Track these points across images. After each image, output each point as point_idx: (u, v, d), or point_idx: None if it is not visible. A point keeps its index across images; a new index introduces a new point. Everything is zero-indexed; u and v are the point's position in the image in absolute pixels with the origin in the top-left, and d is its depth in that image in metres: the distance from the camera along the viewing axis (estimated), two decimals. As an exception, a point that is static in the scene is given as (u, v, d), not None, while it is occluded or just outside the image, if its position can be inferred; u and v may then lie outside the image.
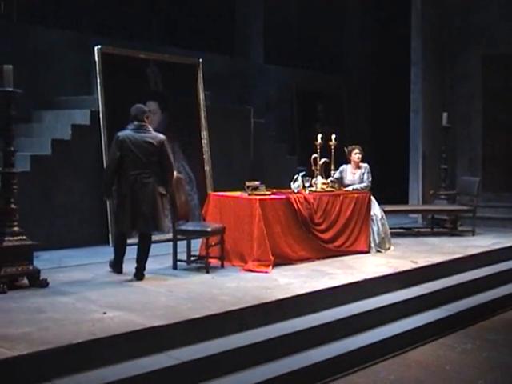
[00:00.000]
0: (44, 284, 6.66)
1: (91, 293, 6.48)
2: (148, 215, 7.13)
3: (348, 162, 9.69)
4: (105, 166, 8.90)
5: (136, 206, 7.07)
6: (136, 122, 7.20)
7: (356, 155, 9.57)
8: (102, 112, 9.36)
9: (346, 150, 9.73)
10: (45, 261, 7.70)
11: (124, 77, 9.77)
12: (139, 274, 7.25)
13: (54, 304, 6.03)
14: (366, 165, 9.64)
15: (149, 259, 8.04)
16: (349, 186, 9.52)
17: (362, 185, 9.48)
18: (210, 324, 5.78)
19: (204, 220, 8.52)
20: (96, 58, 9.44)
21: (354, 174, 9.61)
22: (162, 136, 7.24)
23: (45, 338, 4.99)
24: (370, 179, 9.57)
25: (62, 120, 9.60)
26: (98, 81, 9.39)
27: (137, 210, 7.09)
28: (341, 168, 9.66)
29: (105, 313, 5.73)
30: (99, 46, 9.50)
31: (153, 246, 8.78)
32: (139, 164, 7.06)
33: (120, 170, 7.12)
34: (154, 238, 9.37)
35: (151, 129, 7.31)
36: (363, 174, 9.57)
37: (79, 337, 5.04)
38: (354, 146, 9.66)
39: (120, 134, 7.17)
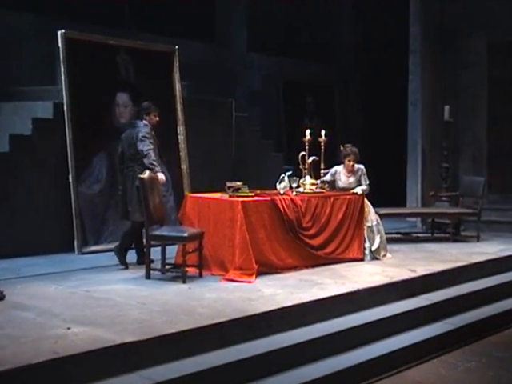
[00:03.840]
0: (0, 297, 6.59)
1: (54, 306, 6.43)
2: (129, 204, 8.37)
3: (342, 162, 9.60)
4: (69, 163, 9.28)
5: (124, 196, 8.48)
6: (134, 120, 8.77)
7: (350, 162, 9.48)
8: (67, 104, 9.30)
9: (341, 148, 9.66)
10: (1, 270, 7.68)
11: (91, 65, 9.72)
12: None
13: (12, 319, 5.97)
14: (361, 166, 9.56)
15: (119, 267, 8.39)
16: (344, 189, 9.42)
17: (362, 187, 9.39)
18: (186, 340, 5.75)
19: (180, 224, 8.53)
20: (60, 45, 9.35)
21: (349, 178, 9.50)
22: (142, 130, 8.41)
23: (2, 358, 4.93)
24: (368, 182, 9.51)
25: (22, 113, 9.53)
26: (62, 70, 9.32)
27: (124, 199, 8.47)
28: (333, 170, 9.59)
29: (69, 328, 5.68)
30: (63, 31, 9.41)
31: None
32: (126, 158, 8.50)
33: None
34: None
35: (141, 125, 8.48)
36: (360, 176, 9.50)
37: (40, 356, 4.98)
38: (348, 151, 9.46)
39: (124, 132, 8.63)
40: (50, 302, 6.58)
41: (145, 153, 8.28)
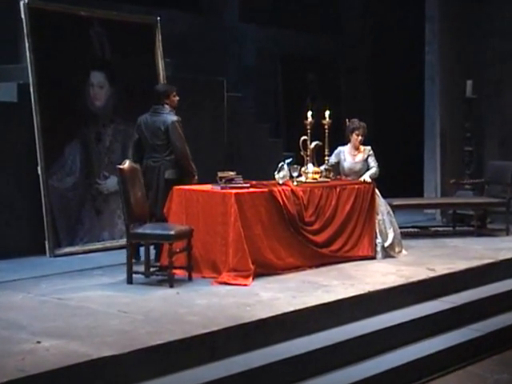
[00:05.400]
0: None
1: (21, 317, 6.40)
2: (151, 199, 8.53)
3: (347, 141, 9.65)
4: (38, 153, 9.27)
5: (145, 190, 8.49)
6: (154, 105, 8.79)
7: (358, 137, 9.52)
8: (33, 85, 9.26)
9: (347, 122, 9.69)
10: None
11: (60, 40, 9.69)
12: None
13: (-27, 332, 5.97)
14: (368, 147, 9.64)
15: (97, 271, 8.46)
16: (350, 170, 9.52)
17: (371, 171, 9.42)
18: (174, 352, 5.75)
19: (166, 221, 8.50)
20: (22, 16, 9.30)
21: (355, 157, 9.58)
22: (170, 118, 8.67)
23: (-39, 377, 4.94)
24: (377, 163, 9.53)
25: (-19, 97, 9.52)
26: (27, 45, 9.28)
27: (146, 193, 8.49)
28: (336, 150, 9.64)
29: (38, 342, 5.67)
30: (25, 1, 9.33)
31: (102, 254, 9.15)
32: (150, 148, 8.72)
33: None
34: (105, 244, 9.51)
35: (167, 111, 8.75)
36: (367, 156, 9.54)
37: (4, 375, 4.95)
38: (357, 124, 9.58)
39: (140, 117, 8.83)
40: (17, 313, 6.56)
41: (181, 150, 8.63)
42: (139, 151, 8.83)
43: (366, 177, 9.37)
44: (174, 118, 8.71)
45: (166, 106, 8.79)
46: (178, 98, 8.93)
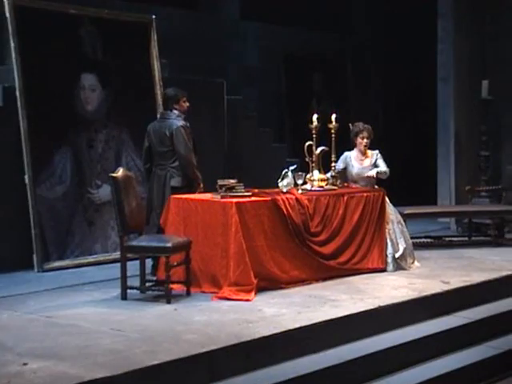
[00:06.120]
0: None
1: (6, 337, 6.38)
2: (158, 209, 8.76)
3: (353, 146, 9.66)
4: (25, 161, 9.27)
5: (151, 199, 8.93)
6: (162, 111, 9.28)
7: (364, 140, 9.54)
8: (19, 88, 9.28)
9: (350, 127, 9.68)
10: None
11: (49, 40, 9.71)
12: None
13: (-44, 354, 5.96)
14: (376, 151, 9.68)
15: (89, 286, 8.45)
16: (358, 176, 9.55)
17: (381, 168, 9.45)
18: (171, 373, 5.73)
19: (163, 232, 8.50)
20: (7, 14, 9.33)
21: (362, 162, 9.62)
22: (176, 123, 8.81)
23: None
24: (386, 164, 9.54)
25: (-37, 101, 9.52)
26: (12, 46, 9.31)
27: (151, 202, 8.91)
28: (343, 156, 9.66)
29: (25, 364, 5.64)
30: (10, -3, 9.42)
31: (94, 268, 9.13)
32: (157, 155, 8.91)
33: None
34: (97, 258, 9.49)
35: (174, 116, 8.92)
36: (375, 161, 9.57)
37: (-10, 398, 4.97)
38: (361, 127, 9.62)
39: (150, 124, 9.08)
40: (2, 333, 6.54)
41: (185, 158, 8.72)
42: (149, 160, 8.99)
43: (373, 171, 9.41)
44: (180, 123, 8.79)
45: (175, 111, 8.93)
46: (188, 103, 9.03)
